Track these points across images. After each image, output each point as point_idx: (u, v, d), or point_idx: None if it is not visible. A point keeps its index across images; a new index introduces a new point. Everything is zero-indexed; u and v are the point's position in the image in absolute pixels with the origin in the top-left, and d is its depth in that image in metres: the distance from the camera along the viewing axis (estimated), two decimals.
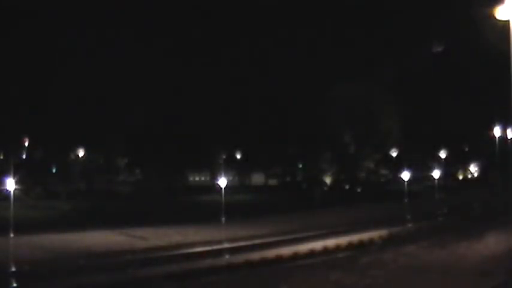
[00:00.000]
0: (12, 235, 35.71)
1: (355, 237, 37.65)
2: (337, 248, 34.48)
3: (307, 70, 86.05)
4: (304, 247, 33.76)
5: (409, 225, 47.22)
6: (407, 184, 63.87)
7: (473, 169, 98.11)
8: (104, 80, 79.79)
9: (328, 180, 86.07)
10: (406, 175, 65.29)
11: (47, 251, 33.46)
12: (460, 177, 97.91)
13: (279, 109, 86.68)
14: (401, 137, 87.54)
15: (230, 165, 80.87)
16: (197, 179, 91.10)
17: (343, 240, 36.60)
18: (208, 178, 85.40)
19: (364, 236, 38.33)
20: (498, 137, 68.53)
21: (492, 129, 68.72)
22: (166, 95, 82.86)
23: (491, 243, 31.76)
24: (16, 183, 42.20)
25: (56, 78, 78.32)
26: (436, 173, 74.07)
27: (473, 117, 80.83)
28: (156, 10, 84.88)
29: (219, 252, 33.95)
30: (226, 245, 36.56)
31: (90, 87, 79.57)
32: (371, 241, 36.96)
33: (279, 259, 30.66)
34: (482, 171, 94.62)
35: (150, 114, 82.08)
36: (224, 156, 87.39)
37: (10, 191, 39.42)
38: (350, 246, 35.22)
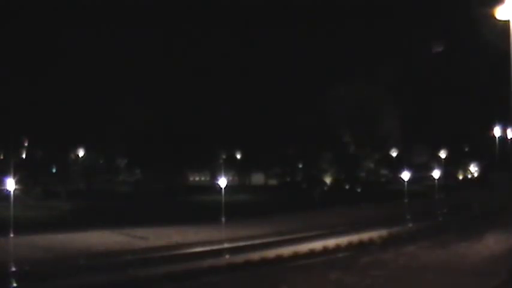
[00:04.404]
0: (12, 235, 35.68)
1: (355, 237, 37.65)
2: (337, 248, 34.48)
3: (307, 70, 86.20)
4: (304, 247, 33.74)
5: (409, 225, 47.18)
6: (407, 184, 63.84)
7: (473, 169, 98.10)
8: (104, 80, 79.92)
9: (328, 180, 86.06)
10: (406, 175, 65.27)
11: (47, 251, 33.43)
12: (460, 177, 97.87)
13: (279, 109, 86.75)
14: (401, 137, 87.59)
15: (230, 165, 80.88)
16: (197, 179, 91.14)
17: (343, 240, 36.59)
18: (208, 178, 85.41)
19: (364, 236, 38.33)
20: (498, 137, 68.61)
21: (492, 129, 68.79)
22: (166, 95, 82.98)
23: (491, 243, 31.76)
24: (16, 183, 42.15)
25: (56, 77, 78.38)
26: (436, 173, 74.00)
27: (473, 117, 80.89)
28: (156, 10, 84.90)
29: (219, 252, 33.91)
30: (226, 245, 36.51)
31: (91, 87, 79.71)
32: (371, 241, 36.95)
33: (279, 259, 30.64)
34: (482, 171, 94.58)
35: (150, 114, 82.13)
36: (224, 156, 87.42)
37: (10, 191, 39.37)
38: (350, 246, 35.21)
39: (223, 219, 43.53)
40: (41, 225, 44.05)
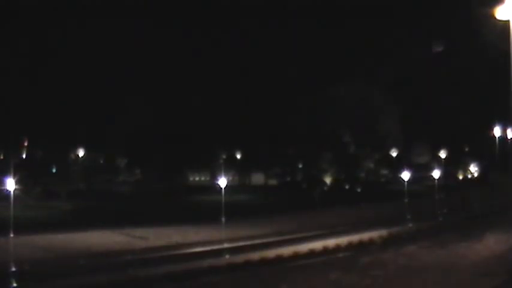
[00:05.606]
0: (12, 235, 35.69)
1: (355, 237, 37.71)
2: (337, 248, 34.57)
3: (307, 70, 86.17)
4: (304, 247, 33.81)
5: (409, 225, 47.22)
6: (407, 184, 63.80)
7: (473, 169, 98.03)
8: (104, 80, 79.94)
9: (328, 180, 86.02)
10: (406, 175, 65.24)
11: (47, 251, 33.49)
12: (460, 177, 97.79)
13: (279, 109, 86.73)
14: (401, 137, 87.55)
15: (230, 165, 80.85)
16: (197, 179, 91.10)
17: (343, 240, 36.66)
18: (208, 178, 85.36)
19: (364, 236, 38.39)
20: (498, 137, 68.54)
21: (492, 129, 68.73)
22: (166, 95, 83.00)
23: (491, 243, 31.73)
24: (16, 183, 42.11)
25: (56, 77, 78.41)
26: (436, 173, 73.91)
27: (473, 117, 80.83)
28: (156, 11, 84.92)
29: (219, 252, 33.97)
30: (226, 245, 36.57)
31: (91, 87, 79.72)
32: (371, 241, 37.00)
33: (279, 259, 30.71)
34: (482, 171, 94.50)
35: (150, 114, 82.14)
36: (224, 156, 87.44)
37: (10, 191, 39.36)
38: (350, 246, 35.28)
39: (223, 219, 43.52)
40: (41, 225, 44.12)
